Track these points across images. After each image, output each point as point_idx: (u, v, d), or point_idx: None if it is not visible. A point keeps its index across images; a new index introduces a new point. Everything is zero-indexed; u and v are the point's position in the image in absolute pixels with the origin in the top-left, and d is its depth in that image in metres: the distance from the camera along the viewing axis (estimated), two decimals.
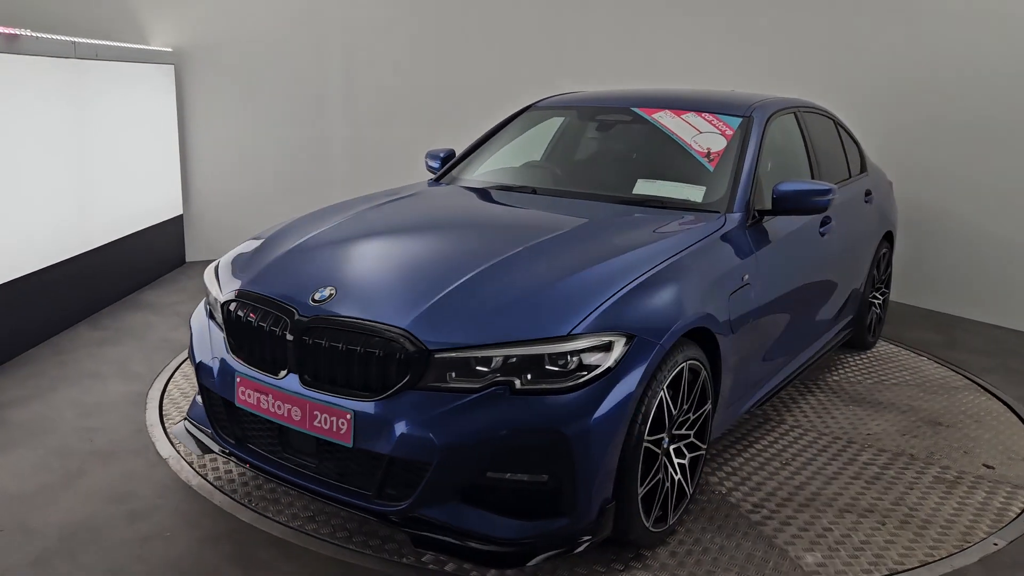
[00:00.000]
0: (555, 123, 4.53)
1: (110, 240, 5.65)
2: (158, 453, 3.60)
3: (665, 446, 2.80)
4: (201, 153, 6.94)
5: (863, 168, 5.08)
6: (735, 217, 3.45)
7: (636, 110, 4.14)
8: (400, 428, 2.46)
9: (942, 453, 3.85)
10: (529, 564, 2.49)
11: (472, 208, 3.79)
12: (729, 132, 3.82)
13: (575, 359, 2.48)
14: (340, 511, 3.06)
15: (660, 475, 2.79)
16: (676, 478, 2.89)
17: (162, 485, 3.35)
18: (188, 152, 6.91)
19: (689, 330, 2.81)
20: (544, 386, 2.45)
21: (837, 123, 4.90)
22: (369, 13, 6.98)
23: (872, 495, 3.43)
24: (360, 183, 6.19)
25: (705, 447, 3.07)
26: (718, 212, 3.47)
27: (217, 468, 3.48)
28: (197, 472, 3.44)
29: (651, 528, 2.80)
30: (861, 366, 5.03)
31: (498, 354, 2.46)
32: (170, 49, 6.60)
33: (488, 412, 2.43)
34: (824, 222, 4.09)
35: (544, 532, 2.50)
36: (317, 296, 2.72)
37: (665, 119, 4.01)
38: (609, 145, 4.35)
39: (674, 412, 2.80)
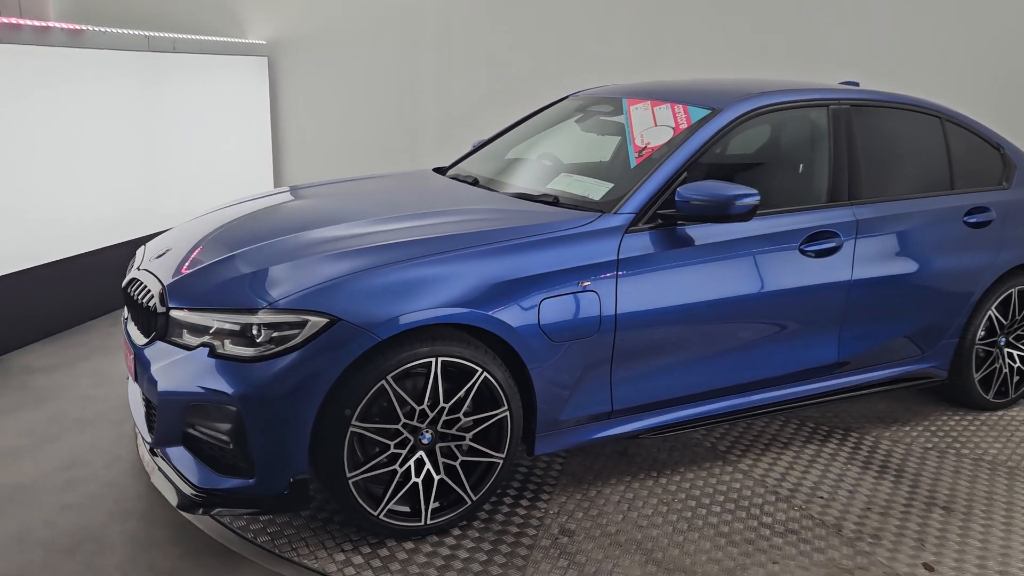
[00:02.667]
0: (565, 116, 4.29)
1: None
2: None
3: (427, 442, 2.85)
4: (293, 144, 7.24)
5: (1005, 181, 4.13)
6: (614, 219, 3.13)
7: (624, 102, 3.85)
8: (147, 373, 2.82)
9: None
10: (205, 512, 2.83)
11: (364, 194, 3.89)
12: (682, 127, 3.43)
13: (268, 332, 2.63)
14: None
15: (418, 467, 2.86)
16: (438, 477, 2.89)
17: (116, 457, 3.49)
18: (280, 143, 7.22)
19: (485, 328, 2.82)
20: (236, 353, 2.65)
21: (949, 122, 4.03)
22: (465, 2, 6.96)
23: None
24: None
25: (502, 456, 2.98)
26: (600, 212, 3.17)
27: None
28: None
29: (393, 522, 2.87)
30: (983, 428, 4.07)
31: (203, 320, 2.72)
32: (263, 42, 6.91)
33: (190, 369, 2.69)
34: (823, 238, 3.47)
35: (228, 488, 2.71)
36: (155, 256, 3.17)
37: (637, 111, 3.69)
38: (574, 138, 4.09)
39: (422, 406, 2.79)
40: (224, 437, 2.67)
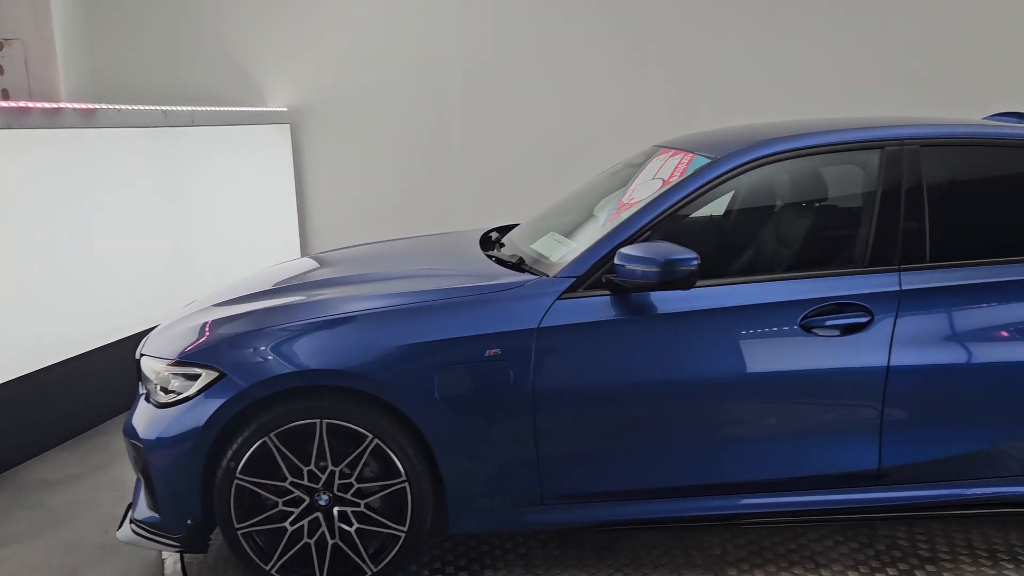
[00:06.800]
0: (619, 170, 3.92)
1: None
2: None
3: (324, 504, 2.84)
4: (319, 212, 6.91)
5: None
6: (548, 283, 2.89)
7: (656, 152, 3.51)
8: None
9: None
10: (119, 534, 3.06)
11: (361, 257, 3.87)
12: (675, 179, 3.03)
13: (173, 382, 2.89)
14: None
15: (313, 528, 2.86)
16: (331, 542, 2.86)
17: None
18: (305, 211, 6.89)
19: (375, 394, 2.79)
20: (156, 400, 2.92)
21: None
22: (490, 56, 6.63)
23: None
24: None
25: (403, 528, 2.86)
26: (545, 275, 2.95)
27: None
28: None
29: (273, 572, 2.89)
30: None
31: (145, 366, 3.05)
32: (285, 108, 6.62)
33: (136, 412, 3.01)
34: (842, 312, 2.85)
35: (147, 520, 2.97)
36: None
37: (656, 162, 3.35)
38: (598, 194, 3.64)
39: (309, 467, 2.81)
40: (141, 475, 2.97)
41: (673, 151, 3.40)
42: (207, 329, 2.97)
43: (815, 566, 3.08)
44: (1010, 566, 3.05)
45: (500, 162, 6.81)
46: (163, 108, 5.15)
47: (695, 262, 2.69)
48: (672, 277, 2.68)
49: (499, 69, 6.63)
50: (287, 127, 6.61)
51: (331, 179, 6.87)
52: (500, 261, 3.31)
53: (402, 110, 6.75)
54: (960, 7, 5.83)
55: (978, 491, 2.97)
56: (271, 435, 2.77)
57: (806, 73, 6.08)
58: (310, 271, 3.71)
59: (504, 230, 4.03)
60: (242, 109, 6.10)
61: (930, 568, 3.04)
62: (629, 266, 2.73)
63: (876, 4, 5.95)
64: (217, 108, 5.71)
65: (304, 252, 6.93)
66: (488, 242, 3.78)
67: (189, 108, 5.28)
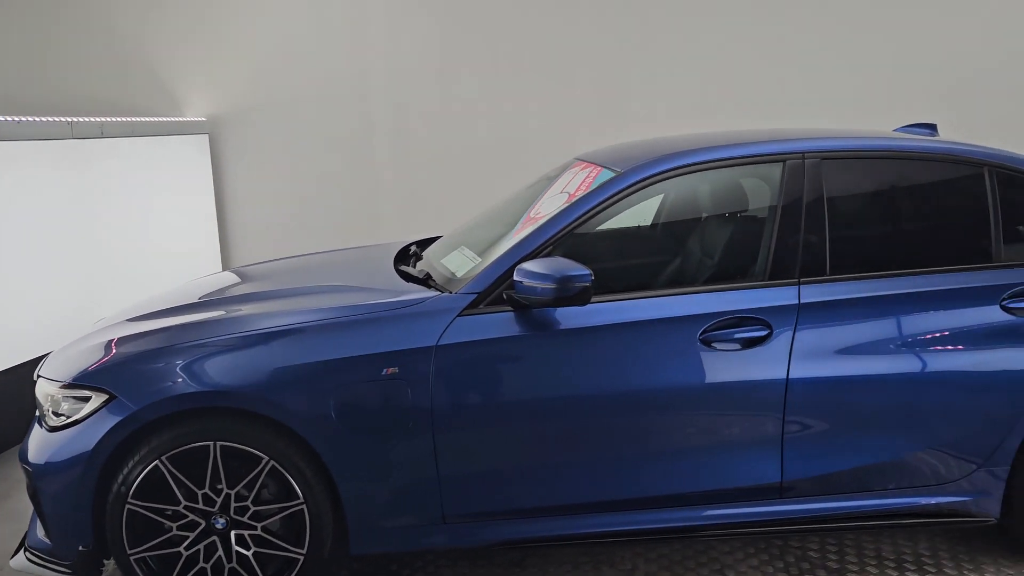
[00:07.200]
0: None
1: None
2: None
3: (221, 528, 2.77)
4: (241, 224, 6.74)
5: None
6: (449, 299, 2.86)
7: (572, 164, 3.48)
8: None
9: None
10: (13, 562, 2.96)
11: (277, 272, 3.80)
12: (580, 193, 3.03)
13: (63, 405, 2.82)
14: None
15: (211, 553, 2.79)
16: (228, 566, 2.79)
17: None
18: (227, 224, 6.72)
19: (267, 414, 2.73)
20: (48, 423, 2.85)
21: (1006, 172, 3.08)
22: (418, 63, 6.53)
23: None
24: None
25: (301, 551, 2.80)
26: (449, 291, 2.92)
27: None
28: None
29: None
30: None
31: (39, 389, 2.96)
32: (204, 119, 6.45)
33: (30, 436, 2.93)
34: (741, 326, 2.83)
35: (39, 546, 2.91)
36: None
37: (569, 175, 3.32)
38: (517, 207, 3.59)
39: (203, 490, 2.75)
40: (32, 501, 2.89)
41: (585, 164, 3.38)
42: (103, 349, 2.90)
43: None
44: (915, 575, 3.08)
45: (429, 172, 6.72)
46: (69, 119, 4.96)
47: (590, 278, 2.68)
48: (567, 293, 2.67)
49: (428, 77, 6.55)
50: (206, 137, 6.43)
51: (254, 191, 6.71)
52: (410, 276, 3.26)
53: (327, 119, 6.61)
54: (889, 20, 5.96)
55: (882, 502, 2.99)
56: (163, 458, 2.72)
57: (742, 82, 6.14)
58: (227, 287, 3.63)
59: (427, 243, 3.97)
60: (157, 120, 5.91)
61: None
62: (527, 282, 2.71)
63: (809, 15, 6.05)
64: (130, 119, 5.52)
65: (226, 266, 6.75)
66: (407, 256, 3.73)
67: (98, 119, 5.09)
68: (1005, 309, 2.93)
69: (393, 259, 3.62)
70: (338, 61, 6.54)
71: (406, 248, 3.88)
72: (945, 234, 3.14)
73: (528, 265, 2.74)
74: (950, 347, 2.91)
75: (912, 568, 3.13)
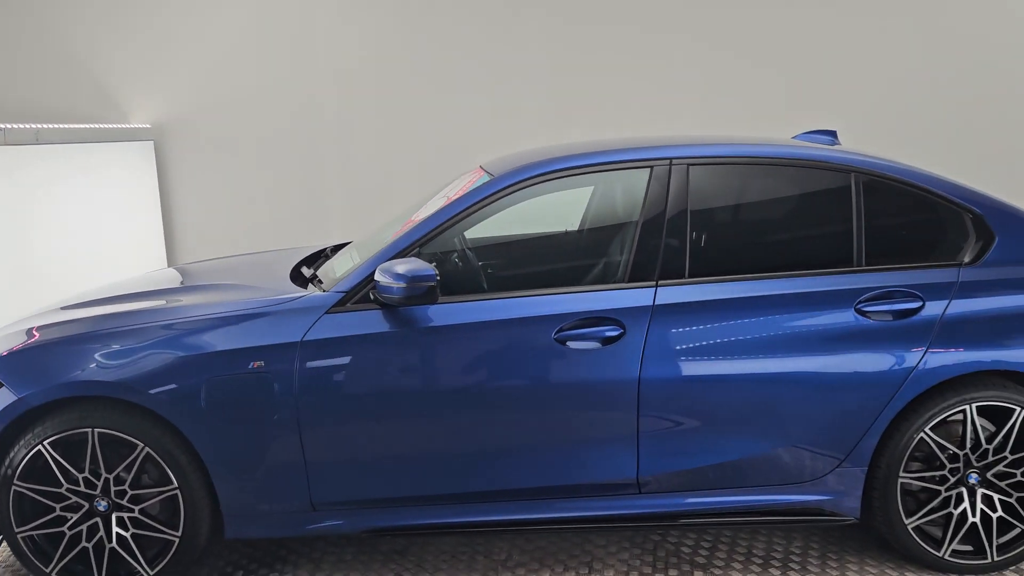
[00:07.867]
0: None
1: None
2: None
3: (103, 510, 2.98)
4: (188, 229, 6.83)
5: (969, 255, 3.09)
6: (318, 297, 3.02)
7: (473, 170, 3.58)
8: None
9: None
10: None
11: (205, 272, 3.95)
12: (455, 197, 3.17)
13: None
14: None
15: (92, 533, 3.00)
16: (109, 546, 2.99)
17: None
18: (172, 231, 6.81)
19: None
20: None
21: (875, 179, 3.12)
22: (363, 65, 6.63)
23: None
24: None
25: (177, 534, 2.99)
26: (328, 290, 3.07)
27: None
28: None
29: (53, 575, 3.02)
30: None
31: None
32: (148, 125, 6.54)
33: None
34: (595, 325, 2.93)
35: None
36: None
37: (458, 180, 3.49)
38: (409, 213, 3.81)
39: (84, 474, 2.95)
40: None
41: (477, 170, 3.49)
42: (20, 337, 3.11)
43: (588, 571, 3.18)
44: (777, 572, 3.17)
45: (374, 173, 6.82)
46: (2, 126, 5.05)
47: (435, 278, 2.85)
48: (415, 292, 2.83)
49: (373, 79, 6.66)
50: (151, 144, 6.52)
51: (200, 196, 6.79)
52: (303, 278, 3.40)
53: (273, 123, 6.69)
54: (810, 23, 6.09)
55: (740, 499, 3.08)
56: (44, 443, 2.93)
57: (677, 87, 6.29)
58: (159, 282, 3.83)
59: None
60: (98, 126, 6.00)
61: (698, 574, 3.15)
62: (383, 281, 2.87)
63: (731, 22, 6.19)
64: (68, 126, 5.60)
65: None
66: (319, 258, 3.85)
67: (33, 126, 5.17)
68: (860, 312, 3.00)
69: (299, 261, 3.74)
70: (282, 65, 6.63)
71: (322, 251, 3.99)
72: (808, 239, 3.21)
73: (386, 265, 2.91)
74: (805, 349, 2.99)
75: (778, 564, 3.23)
